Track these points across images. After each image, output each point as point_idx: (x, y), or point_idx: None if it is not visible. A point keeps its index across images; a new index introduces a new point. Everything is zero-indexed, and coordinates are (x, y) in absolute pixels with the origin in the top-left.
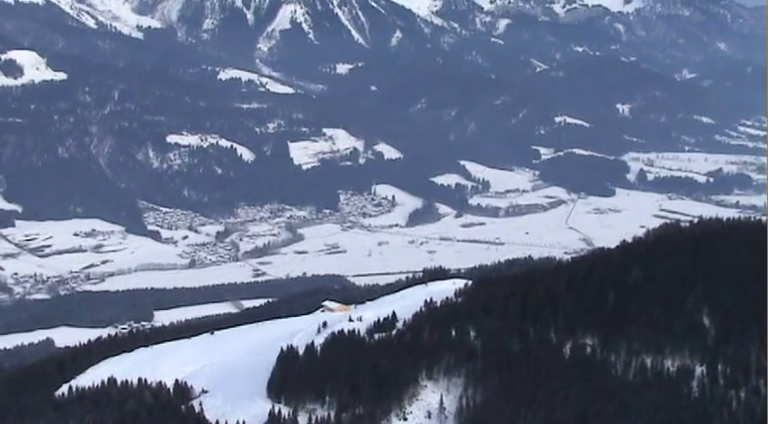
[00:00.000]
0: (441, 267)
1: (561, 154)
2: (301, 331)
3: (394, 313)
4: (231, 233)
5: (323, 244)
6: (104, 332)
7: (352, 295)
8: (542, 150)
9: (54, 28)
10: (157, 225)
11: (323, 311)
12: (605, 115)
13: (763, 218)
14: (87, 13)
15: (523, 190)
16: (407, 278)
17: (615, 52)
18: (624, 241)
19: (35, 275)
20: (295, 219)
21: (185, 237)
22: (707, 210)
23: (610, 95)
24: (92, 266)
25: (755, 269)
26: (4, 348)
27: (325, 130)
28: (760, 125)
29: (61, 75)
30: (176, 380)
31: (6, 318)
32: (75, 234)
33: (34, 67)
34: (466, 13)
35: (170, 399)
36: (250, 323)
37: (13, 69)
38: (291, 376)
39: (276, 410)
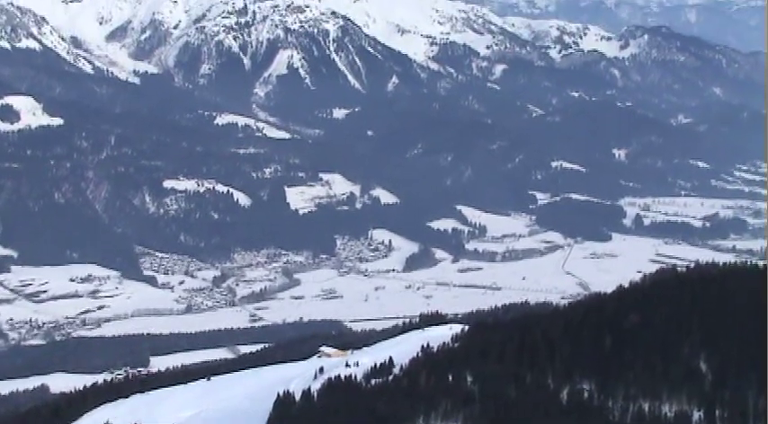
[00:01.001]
0: (437, 312)
1: (557, 198)
2: (298, 377)
3: (391, 358)
4: (228, 278)
5: (319, 289)
6: (100, 378)
7: (348, 340)
8: (539, 195)
9: (51, 73)
10: (154, 271)
11: (320, 356)
12: (601, 160)
13: (760, 263)
14: (84, 58)
15: (520, 235)
16: (404, 323)
17: (611, 97)
18: (620, 286)
19: (30, 320)
20: (292, 264)
21: (182, 282)
22: (703, 255)
23: (606, 140)
24: (88, 311)
25: (752, 314)
26: None
27: (321, 175)
28: (756, 170)
29: (58, 121)
30: None
31: (1, 364)
32: (72, 280)
33: (31, 113)
34: (462, 58)
35: None
36: (247, 369)
37: (9, 114)
38: (288, 422)
39: None
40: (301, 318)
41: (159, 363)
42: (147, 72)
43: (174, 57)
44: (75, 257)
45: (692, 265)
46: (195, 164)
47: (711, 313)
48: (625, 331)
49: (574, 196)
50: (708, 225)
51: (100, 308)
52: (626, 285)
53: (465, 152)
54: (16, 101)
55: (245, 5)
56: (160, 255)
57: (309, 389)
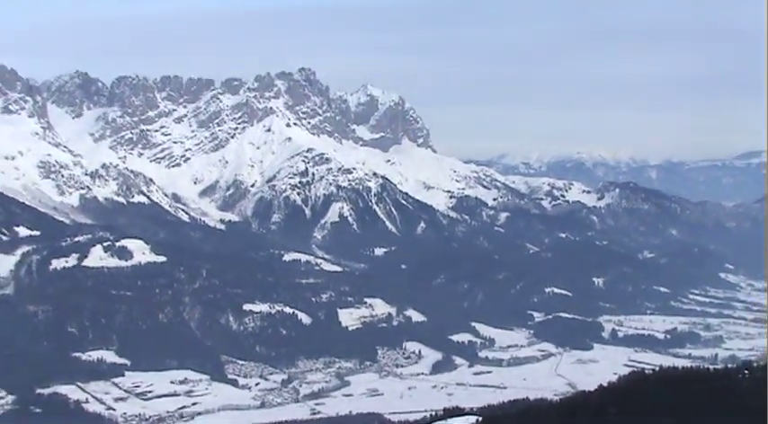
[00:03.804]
0: (457, 406)
1: (550, 317)
2: None
3: None
4: (293, 380)
5: (365, 389)
6: None
7: None
8: (535, 314)
9: (156, 222)
10: (236, 375)
11: None
12: (584, 286)
13: (710, 367)
14: (182, 209)
15: (521, 346)
16: (431, 415)
17: (591, 237)
18: (601, 385)
19: (140, 414)
20: (343, 369)
21: (257, 384)
22: (666, 361)
23: (587, 271)
24: (184, 407)
25: (705, 406)
26: None
27: (366, 300)
28: (706, 293)
29: (162, 258)
30: None
31: None
32: (172, 382)
33: (141, 252)
34: (474, 207)
35: None
36: None
37: (124, 254)
38: None
39: None
40: (351, 411)
41: None
42: (230, 220)
43: (252, 209)
44: (174, 364)
45: (657, 369)
46: (268, 292)
47: (674, 406)
48: (606, 421)
49: (563, 314)
50: (668, 337)
51: (193, 404)
52: (606, 384)
53: (477, 281)
54: (130, 244)
55: (306, 169)
56: (241, 362)
57: None
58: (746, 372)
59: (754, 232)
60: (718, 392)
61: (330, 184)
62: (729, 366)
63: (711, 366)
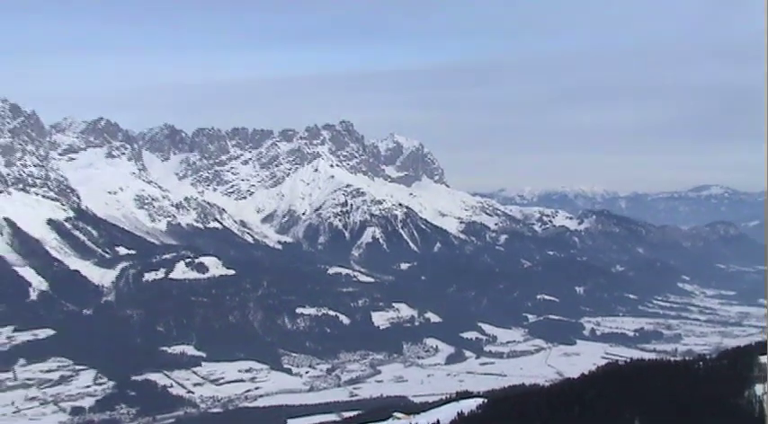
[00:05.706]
0: (467, 390)
1: (541, 318)
2: None
3: (438, 420)
4: (336, 369)
5: (393, 376)
6: None
7: (411, 408)
8: (530, 316)
9: (227, 242)
10: (290, 365)
11: (394, 419)
12: (568, 294)
13: (671, 359)
14: (248, 233)
15: (518, 341)
16: (446, 397)
17: (573, 254)
18: (583, 373)
19: (213, 397)
20: (375, 360)
21: (307, 372)
22: (635, 354)
23: (571, 281)
24: (248, 391)
25: (669, 390)
26: None
27: (393, 304)
28: (666, 300)
29: (231, 272)
30: None
31: None
32: (239, 371)
33: (215, 267)
34: (480, 231)
35: None
36: None
37: (202, 268)
38: None
39: None
40: (381, 394)
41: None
42: (286, 241)
43: (303, 232)
44: (241, 356)
45: (628, 360)
46: (315, 298)
47: (642, 390)
48: (587, 402)
49: (551, 316)
50: (637, 334)
51: (256, 389)
52: (587, 372)
53: (483, 290)
54: (206, 260)
55: (346, 200)
56: (294, 355)
57: None
58: (701, 363)
59: (705, 250)
60: (678, 379)
61: (365, 213)
62: (687, 358)
63: (672, 359)
